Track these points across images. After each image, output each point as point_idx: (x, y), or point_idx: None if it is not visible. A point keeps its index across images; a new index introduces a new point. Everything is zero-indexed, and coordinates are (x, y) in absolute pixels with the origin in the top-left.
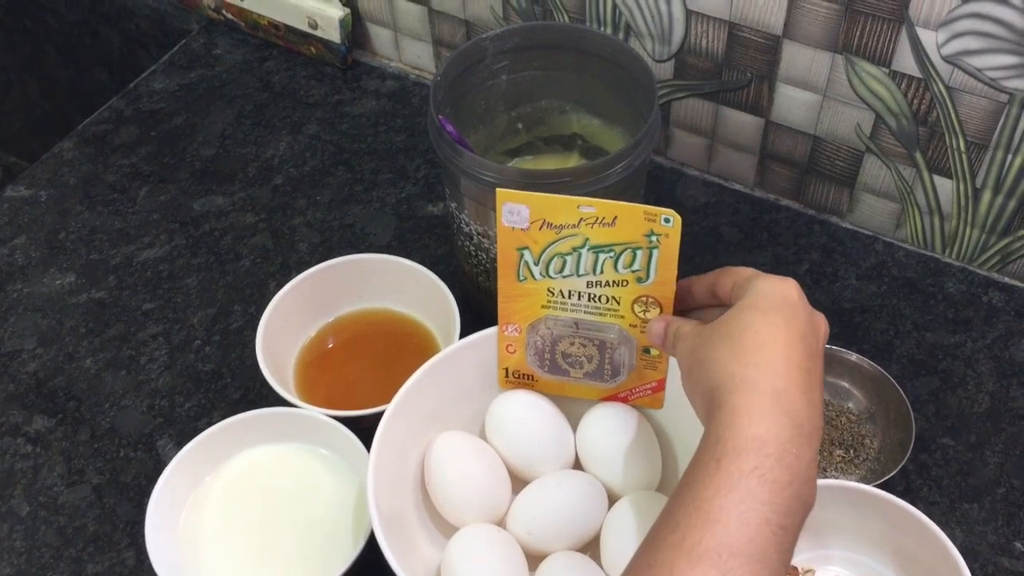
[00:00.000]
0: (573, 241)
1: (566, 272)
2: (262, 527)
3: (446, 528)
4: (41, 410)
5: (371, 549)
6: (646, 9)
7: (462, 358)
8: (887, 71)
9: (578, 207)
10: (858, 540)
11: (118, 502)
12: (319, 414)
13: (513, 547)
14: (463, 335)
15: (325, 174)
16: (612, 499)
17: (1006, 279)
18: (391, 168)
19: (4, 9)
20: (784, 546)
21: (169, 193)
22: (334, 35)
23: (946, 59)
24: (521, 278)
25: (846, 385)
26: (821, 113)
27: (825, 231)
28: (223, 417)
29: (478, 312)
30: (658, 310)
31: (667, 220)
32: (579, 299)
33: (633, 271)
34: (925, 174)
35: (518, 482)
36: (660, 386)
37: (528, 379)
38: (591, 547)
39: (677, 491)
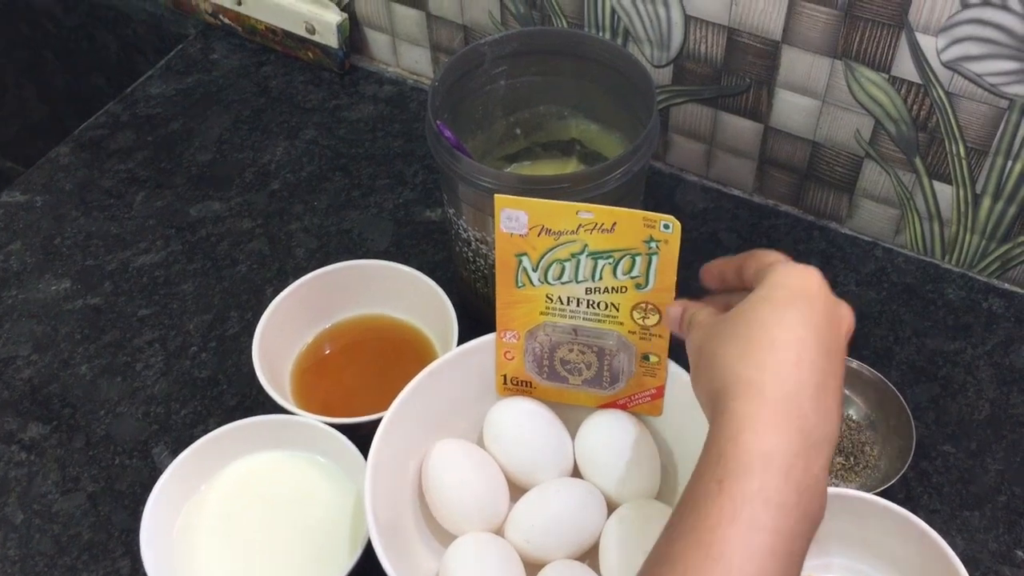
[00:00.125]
0: (572, 247)
1: (565, 278)
2: (258, 535)
3: (444, 536)
4: (36, 417)
5: (368, 558)
6: (645, 14)
7: (460, 365)
8: (887, 77)
9: (577, 213)
10: (859, 548)
11: (113, 510)
12: (316, 421)
13: (511, 556)
14: (461, 341)
15: (322, 179)
16: (611, 507)
17: (1006, 285)
18: (389, 173)
19: (1, 13)
20: (791, 572)
21: (165, 198)
22: (331, 40)
23: (946, 65)
24: (519, 284)
25: (846, 392)
26: (820, 119)
27: (824, 237)
28: (219, 424)
29: (476, 318)
30: (657, 317)
31: (666, 226)
32: (578, 305)
33: (632, 277)
34: (925, 180)
35: (516, 490)
36: (659, 393)
37: (526, 386)
38: (590, 555)
39: (678, 509)
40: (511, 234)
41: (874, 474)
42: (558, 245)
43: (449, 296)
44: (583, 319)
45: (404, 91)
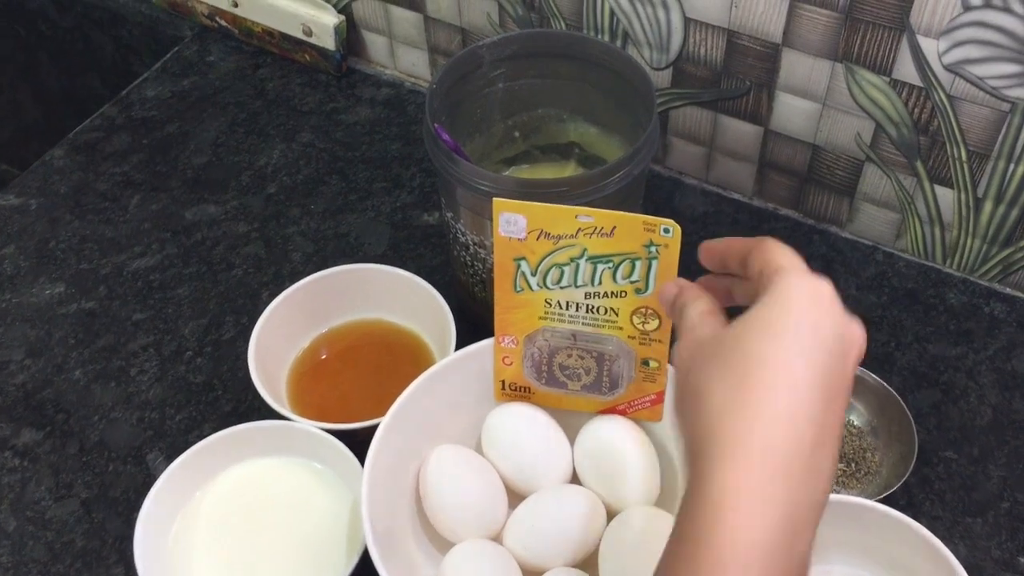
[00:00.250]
0: (571, 251)
1: (564, 283)
2: (254, 542)
3: (441, 544)
4: (29, 423)
5: (365, 565)
6: (644, 17)
7: (458, 370)
8: (888, 80)
9: (576, 217)
10: (860, 555)
11: (107, 517)
12: (312, 427)
13: (510, 563)
14: (459, 347)
15: (319, 183)
16: (610, 514)
17: (1008, 290)
18: (386, 177)
19: None
20: None
21: (161, 202)
22: (329, 42)
23: (947, 68)
24: (518, 289)
25: None
26: (821, 122)
27: (824, 241)
28: (214, 430)
29: (474, 323)
30: (657, 322)
31: (667, 230)
32: (577, 310)
33: (632, 282)
34: (926, 184)
35: (515, 497)
36: (659, 398)
37: (525, 391)
38: (589, 563)
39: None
40: (509, 238)
41: (875, 480)
42: (557, 249)
43: (447, 301)
44: (582, 324)
45: (402, 94)
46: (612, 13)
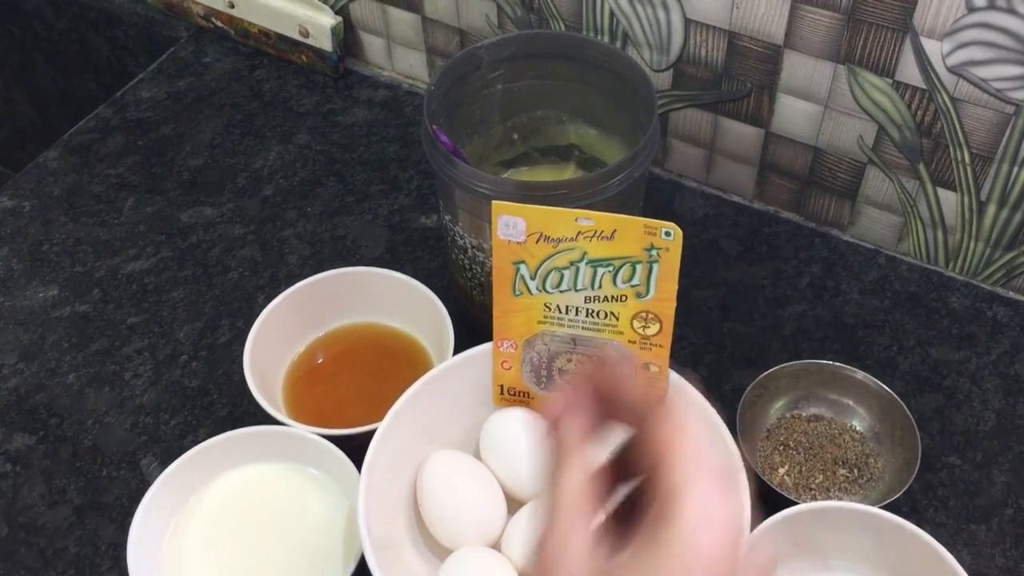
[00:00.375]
0: (571, 255)
1: (563, 287)
2: (248, 549)
3: (439, 551)
4: (22, 427)
5: (362, 573)
6: (644, 18)
7: (456, 375)
8: (890, 82)
9: (576, 220)
10: (863, 562)
11: (100, 523)
12: (308, 432)
13: (509, 570)
14: (457, 351)
15: (316, 185)
16: None
17: (1011, 294)
18: (383, 179)
19: None
20: None
21: (156, 204)
22: (326, 43)
23: (951, 70)
24: (517, 292)
25: (851, 403)
26: (822, 124)
27: (826, 244)
28: (209, 435)
29: (473, 327)
30: (658, 326)
31: (668, 234)
32: (577, 314)
33: (632, 286)
34: (929, 186)
35: (513, 503)
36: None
37: (524, 397)
38: None
39: None
40: (509, 241)
41: (878, 486)
42: (557, 252)
43: (445, 304)
44: (582, 328)
45: (399, 95)
46: (612, 14)
